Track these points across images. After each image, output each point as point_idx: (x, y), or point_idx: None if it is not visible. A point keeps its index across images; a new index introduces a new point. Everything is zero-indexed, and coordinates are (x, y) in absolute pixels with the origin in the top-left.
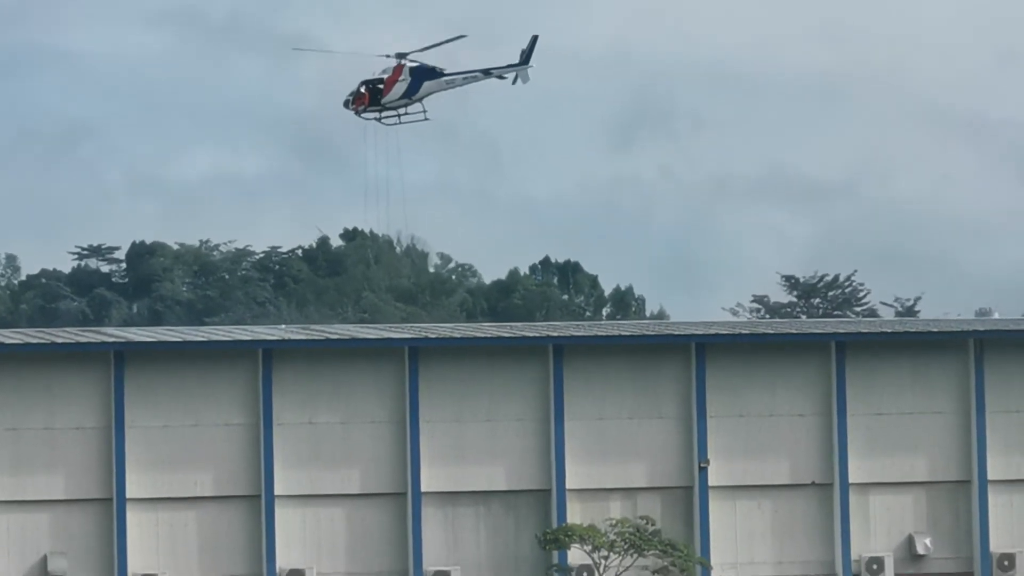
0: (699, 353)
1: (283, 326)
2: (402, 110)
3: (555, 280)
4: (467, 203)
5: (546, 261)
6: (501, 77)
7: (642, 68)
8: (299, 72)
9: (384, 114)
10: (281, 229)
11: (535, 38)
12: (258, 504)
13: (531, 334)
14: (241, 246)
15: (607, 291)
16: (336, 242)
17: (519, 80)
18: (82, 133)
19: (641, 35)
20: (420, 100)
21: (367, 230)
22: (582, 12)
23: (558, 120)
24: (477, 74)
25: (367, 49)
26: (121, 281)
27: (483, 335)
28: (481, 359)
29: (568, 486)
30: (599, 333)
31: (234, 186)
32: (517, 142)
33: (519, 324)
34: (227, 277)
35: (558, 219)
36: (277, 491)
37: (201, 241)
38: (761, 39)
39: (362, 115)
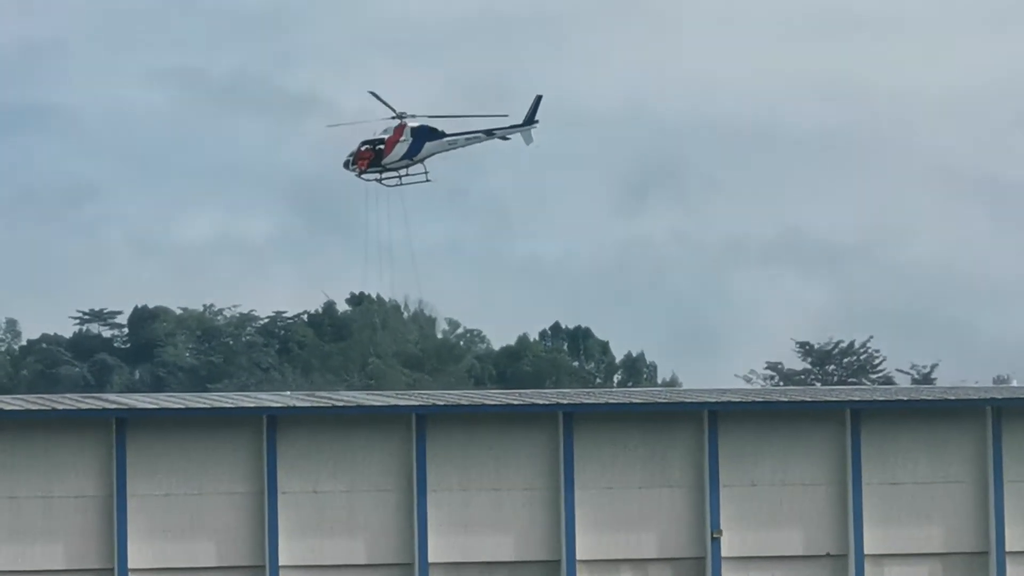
0: (711, 421)
1: (288, 393)
2: (403, 171)
3: (565, 346)
4: (476, 266)
5: (556, 327)
6: (504, 138)
7: (653, 128)
8: (304, 132)
9: (385, 175)
10: (286, 293)
11: (539, 98)
12: (263, 575)
13: (540, 401)
14: (245, 311)
15: (618, 357)
16: (342, 307)
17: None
18: (84, 194)
19: (652, 96)
20: (422, 161)
21: (374, 295)
22: (593, 71)
23: (568, 181)
24: (480, 135)
25: (372, 107)
26: (123, 346)
27: (491, 402)
28: (489, 426)
29: (578, 556)
30: (610, 400)
31: (238, 249)
32: (527, 203)
33: (528, 391)
34: (231, 342)
35: (569, 283)
36: (281, 561)
37: (204, 306)
38: (775, 100)
39: (362, 176)
